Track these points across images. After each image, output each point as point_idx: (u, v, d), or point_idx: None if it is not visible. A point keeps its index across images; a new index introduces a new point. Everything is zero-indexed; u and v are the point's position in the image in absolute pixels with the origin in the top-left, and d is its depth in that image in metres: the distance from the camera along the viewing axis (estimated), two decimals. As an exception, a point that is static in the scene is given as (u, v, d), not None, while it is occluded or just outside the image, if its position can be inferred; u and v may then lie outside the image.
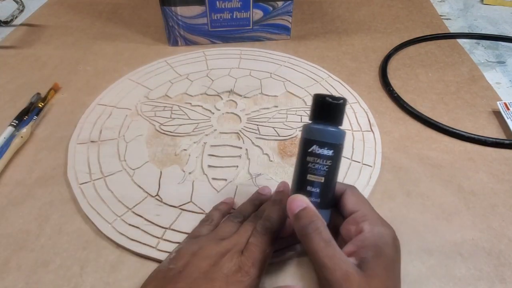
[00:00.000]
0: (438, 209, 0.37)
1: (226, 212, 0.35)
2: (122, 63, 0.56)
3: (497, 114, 0.47)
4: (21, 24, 0.67)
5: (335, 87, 0.51)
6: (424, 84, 0.53)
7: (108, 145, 0.43)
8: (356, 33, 0.64)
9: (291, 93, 0.50)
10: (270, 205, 0.32)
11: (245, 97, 0.49)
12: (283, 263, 0.32)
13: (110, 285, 0.31)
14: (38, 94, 0.50)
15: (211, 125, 0.45)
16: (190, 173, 0.39)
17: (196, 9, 0.56)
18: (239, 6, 0.56)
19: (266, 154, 0.42)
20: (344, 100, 0.28)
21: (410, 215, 0.36)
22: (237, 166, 0.40)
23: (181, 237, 0.33)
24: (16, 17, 0.66)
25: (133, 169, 0.40)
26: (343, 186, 0.30)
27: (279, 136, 0.44)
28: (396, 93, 0.50)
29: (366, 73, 0.55)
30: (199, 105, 0.48)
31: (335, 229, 0.28)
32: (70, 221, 0.35)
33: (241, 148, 0.42)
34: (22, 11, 0.67)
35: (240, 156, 0.41)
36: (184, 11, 0.56)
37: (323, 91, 0.50)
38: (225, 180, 0.39)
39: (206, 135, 0.44)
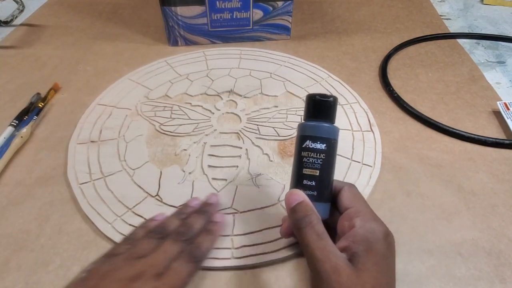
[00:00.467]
0: (438, 209, 0.37)
1: (152, 229, 0.31)
2: (122, 63, 0.56)
3: (497, 114, 0.47)
4: (21, 24, 0.67)
5: (335, 87, 0.51)
6: (424, 84, 0.53)
7: (108, 145, 0.43)
8: (356, 33, 0.64)
9: (291, 93, 0.50)
10: (204, 232, 0.30)
11: (245, 97, 0.49)
12: (282, 263, 0.32)
13: (110, 285, 0.31)
14: (38, 94, 0.50)
15: (211, 125, 0.45)
16: (190, 173, 0.39)
17: (196, 9, 0.56)
18: (239, 6, 0.56)
19: (266, 154, 0.42)
20: (334, 98, 0.30)
21: (410, 215, 0.36)
22: (237, 166, 0.40)
23: (181, 237, 0.33)
24: (16, 17, 0.66)
25: (133, 169, 0.40)
26: (341, 184, 0.30)
27: (279, 136, 0.44)
28: (396, 93, 0.50)
29: (366, 73, 0.55)
30: (199, 105, 0.48)
31: (333, 225, 0.29)
32: (70, 221, 0.35)
33: (241, 148, 0.42)
34: (22, 11, 0.67)
35: (240, 156, 0.41)
36: (184, 11, 0.56)
37: (323, 91, 0.50)
38: (225, 180, 0.39)
39: (206, 135, 0.44)
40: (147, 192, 0.37)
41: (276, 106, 0.48)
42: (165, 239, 0.28)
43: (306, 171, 0.29)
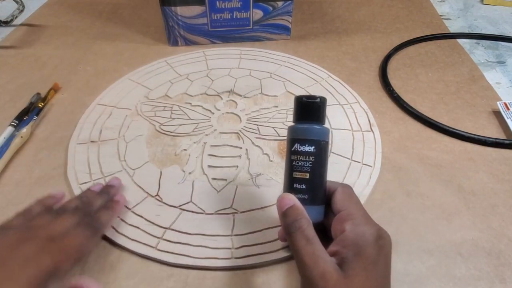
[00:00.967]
0: (438, 209, 0.37)
1: (50, 207, 0.31)
2: (122, 63, 0.56)
3: (497, 114, 0.47)
4: (21, 24, 0.67)
5: (335, 87, 0.51)
6: (424, 84, 0.53)
7: (108, 145, 0.43)
8: (356, 33, 0.64)
9: (291, 93, 0.50)
10: (104, 208, 0.30)
11: (245, 97, 0.49)
12: (282, 263, 0.32)
13: (110, 285, 0.31)
14: (38, 94, 0.50)
15: (211, 125, 0.45)
16: (190, 173, 0.39)
17: (196, 9, 0.56)
18: (239, 6, 0.56)
19: (266, 154, 0.42)
20: (322, 98, 0.29)
21: (410, 215, 0.36)
22: (237, 166, 0.40)
23: (181, 237, 0.33)
24: (16, 17, 0.66)
25: (133, 169, 0.40)
26: (335, 185, 0.30)
27: (279, 136, 0.44)
28: (396, 93, 0.50)
29: (366, 73, 0.55)
30: (199, 105, 0.48)
31: (329, 227, 0.28)
32: (70, 221, 0.35)
33: (241, 148, 0.42)
34: (22, 11, 0.67)
35: (240, 156, 0.41)
36: (184, 11, 0.56)
37: (323, 91, 0.50)
38: (225, 180, 0.39)
39: (206, 135, 0.44)
40: (147, 192, 0.37)
41: (276, 106, 0.48)
42: (62, 214, 0.28)
43: (296, 174, 0.28)
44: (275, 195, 0.37)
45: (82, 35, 0.63)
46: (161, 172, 0.40)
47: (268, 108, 0.48)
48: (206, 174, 0.39)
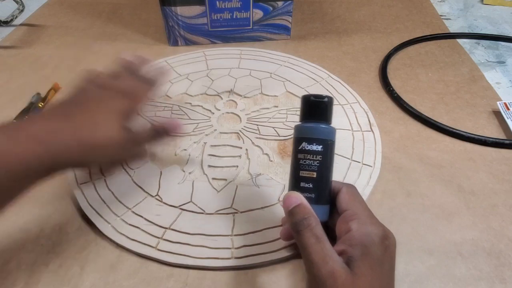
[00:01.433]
0: (438, 209, 0.37)
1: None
2: (122, 63, 0.56)
3: (497, 114, 0.47)
4: (21, 24, 0.67)
5: (335, 87, 0.51)
6: (424, 84, 0.53)
7: (108, 145, 0.43)
8: (356, 33, 0.64)
9: (291, 93, 0.50)
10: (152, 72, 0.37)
11: (245, 97, 0.49)
12: (282, 263, 0.32)
13: (110, 285, 0.31)
14: (38, 94, 0.50)
15: (211, 125, 0.45)
16: (190, 173, 0.39)
17: (196, 9, 0.56)
18: (239, 6, 0.56)
19: (266, 154, 0.42)
20: (329, 98, 0.29)
21: (410, 215, 0.36)
22: (237, 166, 0.40)
23: (181, 237, 0.33)
24: (16, 17, 0.66)
25: (133, 169, 0.40)
26: (340, 185, 0.30)
27: (279, 136, 0.44)
28: (396, 93, 0.50)
29: (366, 73, 0.55)
30: (199, 105, 0.48)
31: (333, 227, 0.29)
32: (70, 221, 0.35)
33: (241, 148, 0.42)
34: (22, 11, 0.67)
35: (240, 156, 0.41)
36: (184, 11, 0.56)
37: (323, 91, 0.50)
38: (225, 180, 0.39)
39: (206, 135, 0.44)
40: (147, 192, 0.37)
41: (276, 106, 0.48)
42: (123, 77, 0.35)
43: (303, 173, 0.28)
44: (275, 195, 0.37)
45: (82, 35, 0.63)
46: (161, 172, 0.40)
47: (268, 108, 0.48)
48: (206, 174, 0.39)
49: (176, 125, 0.34)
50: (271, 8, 0.58)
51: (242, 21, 0.58)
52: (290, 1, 0.57)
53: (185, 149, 0.42)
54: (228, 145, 0.43)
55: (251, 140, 0.43)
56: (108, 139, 0.29)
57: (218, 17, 0.57)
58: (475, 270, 0.32)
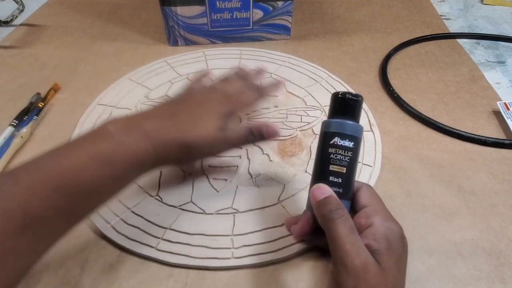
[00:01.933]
0: (438, 209, 0.37)
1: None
2: (122, 63, 0.56)
3: (497, 114, 0.47)
4: (21, 24, 0.67)
5: (335, 87, 0.51)
6: (424, 84, 0.53)
7: (108, 145, 0.43)
8: (356, 33, 0.64)
9: (291, 93, 0.50)
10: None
11: (245, 97, 0.49)
12: (282, 263, 0.32)
13: (110, 285, 0.31)
14: (38, 94, 0.50)
15: (211, 125, 0.45)
16: (190, 173, 0.39)
17: (196, 9, 0.56)
18: (239, 6, 0.56)
19: (266, 154, 0.42)
20: (362, 97, 0.30)
21: (410, 215, 0.36)
22: (237, 166, 0.40)
23: (181, 237, 0.33)
24: (16, 17, 0.66)
25: (133, 169, 0.40)
26: (360, 183, 0.31)
27: (279, 136, 0.44)
28: (396, 93, 0.50)
29: (366, 73, 0.55)
30: (199, 105, 0.48)
31: None
32: (70, 221, 0.35)
33: (241, 148, 0.42)
34: (22, 11, 0.67)
35: (240, 156, 0.41)
36: (184, 11, 0.56)
37: (323, 91, 0.50)
38: (225, 180, 0.39)
39: (206, 135, 0.44)
40: (147, 192, 0.37)
41: (276, 106, 0.48)
42: (231, 80, 0.37)
43: (333, 167, 0.29)
44: (275, 195, 0.37)
45: (82, 35, 0.63)
46: (161, 172, 0.39)
47: (268, 108, 0.48)
48: (206, 174, 0.39)
49: (275, 131, 0.34)
50: (271, 8, 0.58)
51: (242, 21, 0.58)
52: (290, 1, 0.57)
53: (185, 149, 0.42)
54: (228, 145, 0.43)
55: (251, 140, 0.43)
56: (201, 138, 0.31)
57: (218, 17, 0.57)
58: (475, 270, 0.32)
